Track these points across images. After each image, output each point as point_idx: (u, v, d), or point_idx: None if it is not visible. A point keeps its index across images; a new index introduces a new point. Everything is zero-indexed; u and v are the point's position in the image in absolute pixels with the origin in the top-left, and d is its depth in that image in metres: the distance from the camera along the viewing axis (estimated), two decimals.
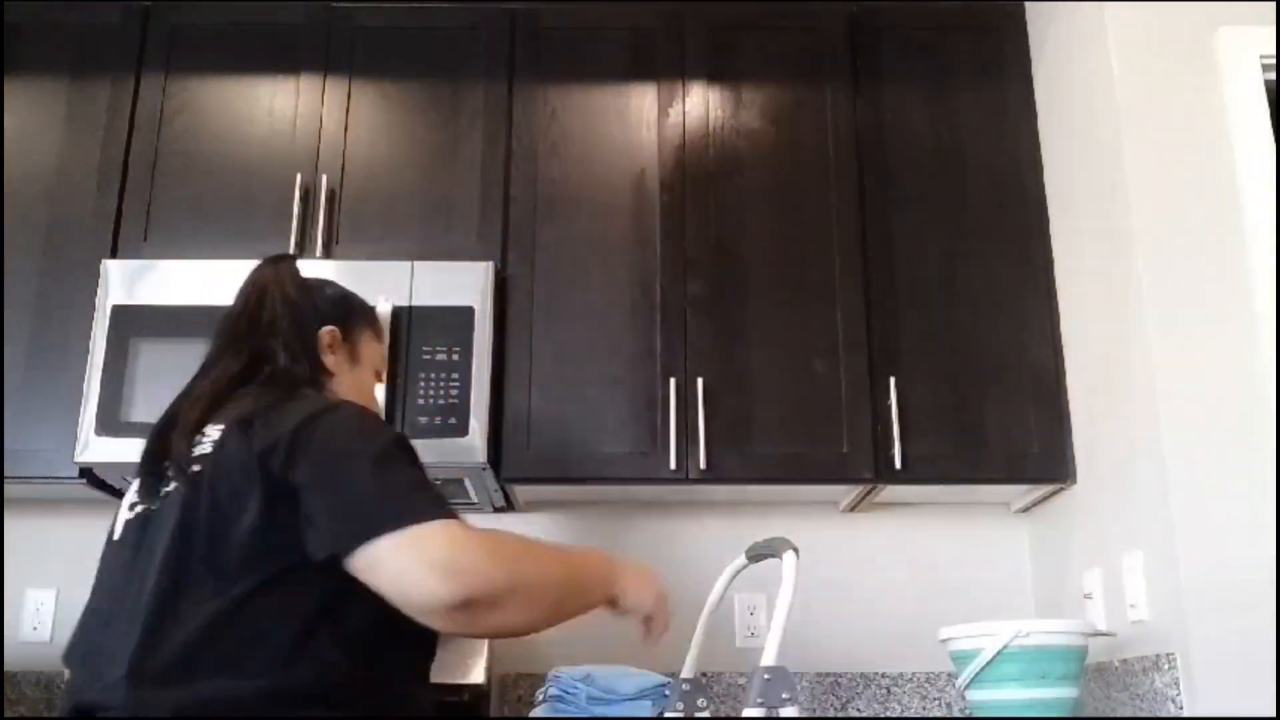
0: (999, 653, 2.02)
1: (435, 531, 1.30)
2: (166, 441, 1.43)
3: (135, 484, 1.49)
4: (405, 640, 1.38)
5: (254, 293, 1.59)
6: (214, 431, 1.41)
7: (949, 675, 2.60)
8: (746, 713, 1.40)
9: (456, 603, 1.28)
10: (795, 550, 1.55)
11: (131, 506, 1.47)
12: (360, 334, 1.69)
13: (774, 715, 1.39)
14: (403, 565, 1.29)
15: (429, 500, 1.34)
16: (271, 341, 1.54)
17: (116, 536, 1.48)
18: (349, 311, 1.68)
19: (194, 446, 1.40)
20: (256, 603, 1.30)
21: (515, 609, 1.35)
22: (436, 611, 1.29)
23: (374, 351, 1.73)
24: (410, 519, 1.30)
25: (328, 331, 1.62)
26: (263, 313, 1.56)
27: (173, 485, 1.40)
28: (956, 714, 2.58)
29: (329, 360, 1.61)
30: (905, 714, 2.57)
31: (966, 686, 2.09)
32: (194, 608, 1.30)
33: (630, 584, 1.55)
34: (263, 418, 1.39)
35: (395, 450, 1.39)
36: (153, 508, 1.42)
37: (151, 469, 1.44)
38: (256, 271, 1.62)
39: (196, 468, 1.38)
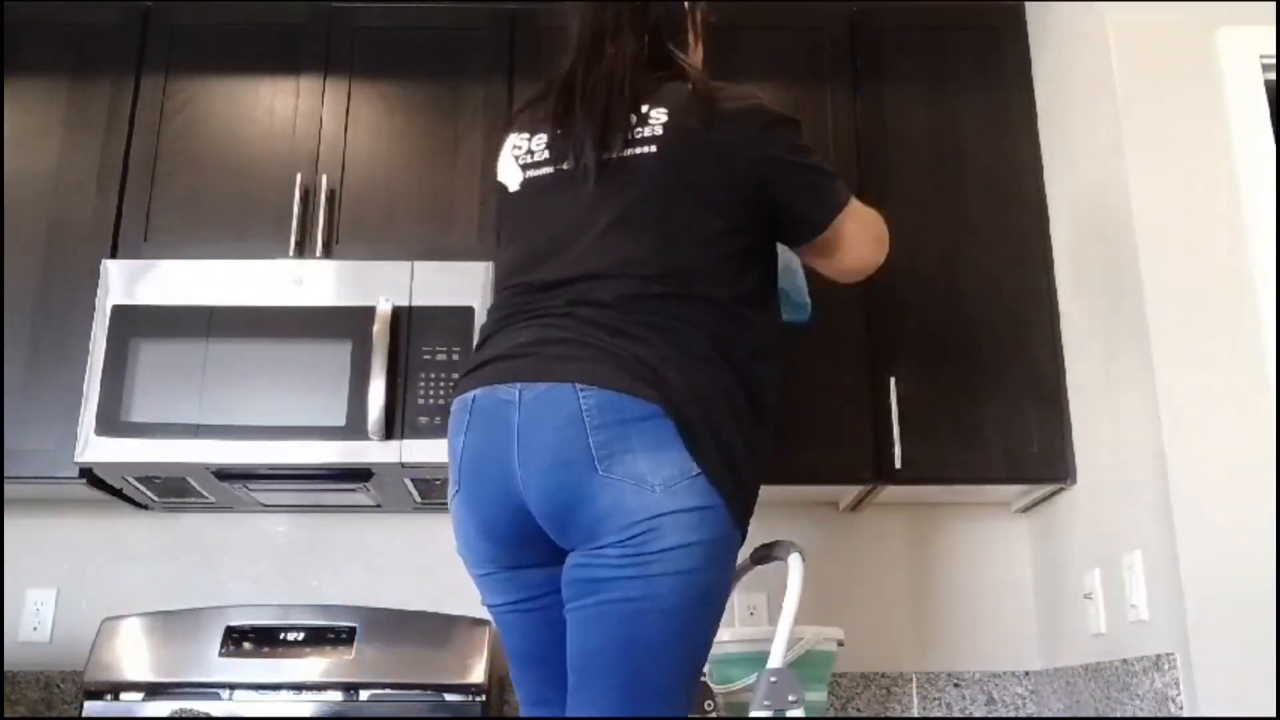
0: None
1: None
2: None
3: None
4: None
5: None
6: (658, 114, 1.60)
7: (949, 675, 2.61)
8: (753, 714, 1.40)
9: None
10: (801, 553, 1.55)
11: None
12: (697, 9, 1.83)
13: (780, 716, 1.39)
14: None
15: None
16: (658, 28, 1.71)
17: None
18: None
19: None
20: None
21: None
22: None
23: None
24: None
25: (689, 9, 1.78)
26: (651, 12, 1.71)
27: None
28: (957, 714, 2.58)
29: (692, 38, 1.78)
30: (905, 714, 2.58)
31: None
32: None
33: None
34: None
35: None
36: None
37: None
38: None
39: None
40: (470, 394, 1.52)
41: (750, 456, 1.51)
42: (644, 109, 1.61)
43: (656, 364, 1.45)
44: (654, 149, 1.58)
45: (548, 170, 1.64)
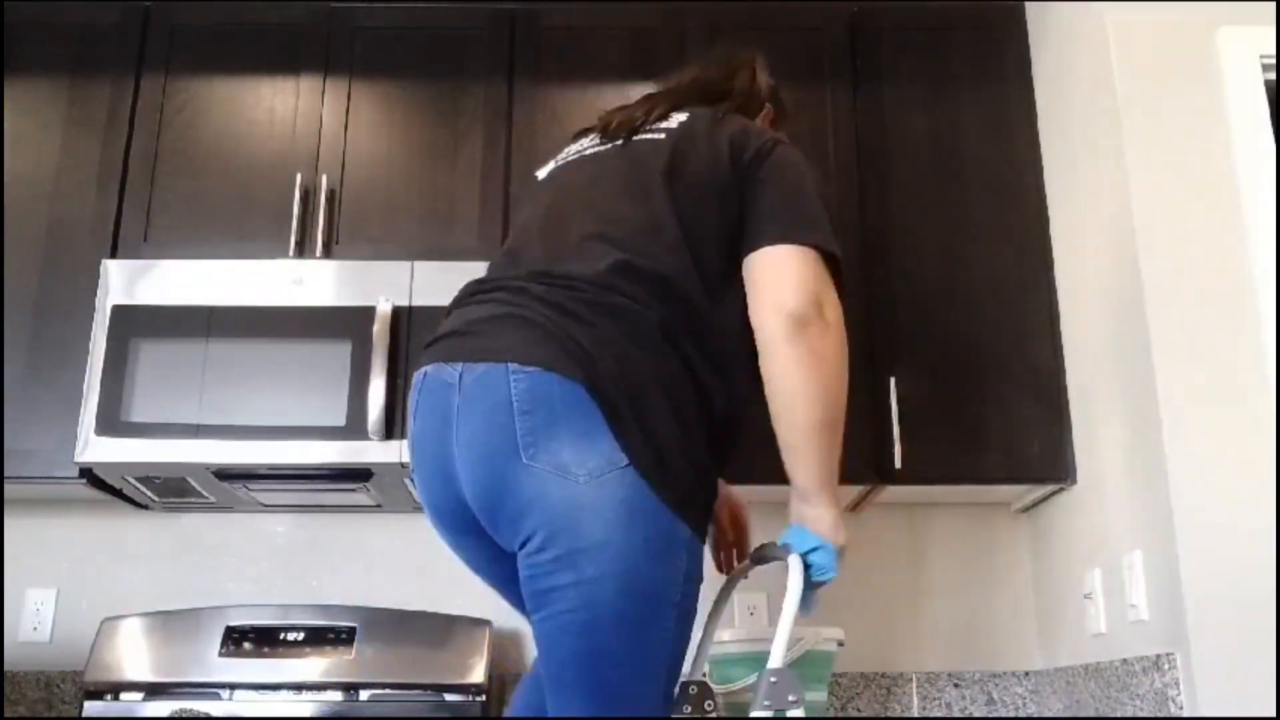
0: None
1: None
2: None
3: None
4: None
5: (736, 62, 1.91)
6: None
7: (949, 675, 2.61)
8: (753, 714, 1.40)
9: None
10: (801, 554, 1.55)
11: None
12: (779, 125, 1.96)
13: (780, 716, 1.39)
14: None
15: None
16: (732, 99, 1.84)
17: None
18: (780, 104, 1.98)
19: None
20: None
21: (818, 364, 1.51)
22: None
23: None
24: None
25: (768, 109, 1.93)
26: (736, 77, 1.88)
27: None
28: (957, 714, 2.58)
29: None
30: (905, 714, 2.58)
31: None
32: None
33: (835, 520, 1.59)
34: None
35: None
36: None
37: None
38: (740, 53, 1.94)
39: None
40: (423, 370, 1.54)
41: (689, 448, 1.44)
42: (670, 114, 1.73)
43: (590, 345, 1.42)
44: (661, 137, 1.66)
45: (573, 158, 1.73)
